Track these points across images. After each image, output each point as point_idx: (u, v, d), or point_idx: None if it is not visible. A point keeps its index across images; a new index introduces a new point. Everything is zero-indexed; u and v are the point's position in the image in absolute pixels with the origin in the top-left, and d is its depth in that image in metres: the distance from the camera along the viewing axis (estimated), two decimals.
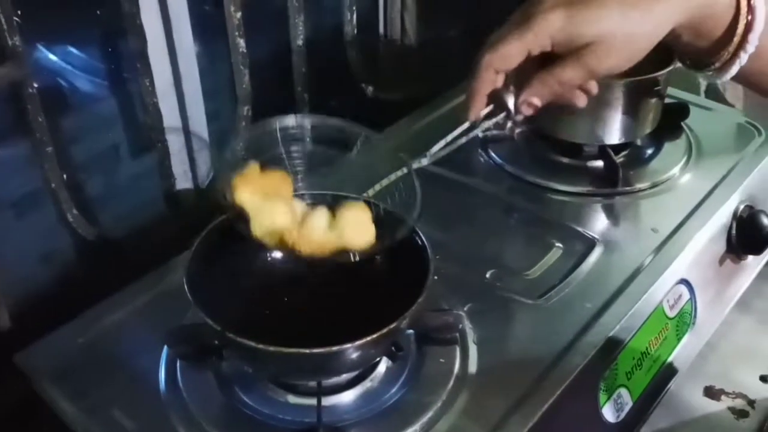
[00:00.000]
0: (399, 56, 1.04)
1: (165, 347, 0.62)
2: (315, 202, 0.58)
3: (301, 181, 0.59)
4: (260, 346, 0.50)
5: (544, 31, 0.52)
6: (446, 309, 0.65)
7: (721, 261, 0.79)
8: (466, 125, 0.59)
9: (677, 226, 0.77)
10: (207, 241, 0.59)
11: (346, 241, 0.55)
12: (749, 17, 0.54)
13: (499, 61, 0.54)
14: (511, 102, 0.57)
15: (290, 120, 0.58)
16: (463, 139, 0.61)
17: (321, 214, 0.56)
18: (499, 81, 0.57)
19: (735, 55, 0.56)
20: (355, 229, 0.55)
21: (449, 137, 0.61)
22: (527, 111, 0.57)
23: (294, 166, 0.59)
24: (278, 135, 0.57)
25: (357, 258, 0.54)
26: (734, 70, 0.57)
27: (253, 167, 0.54)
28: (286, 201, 0.55)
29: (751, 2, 0.54)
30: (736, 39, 0.55)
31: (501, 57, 0.54)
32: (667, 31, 0.55)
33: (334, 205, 0.57)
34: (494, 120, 0.59)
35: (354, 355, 0.53)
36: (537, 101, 0.56)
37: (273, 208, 0.54)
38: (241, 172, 0.54)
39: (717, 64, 0.57)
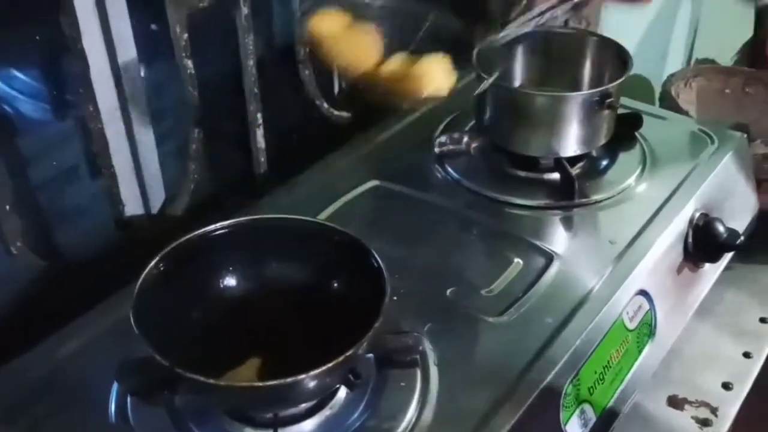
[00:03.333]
0: None
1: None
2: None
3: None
4: (211, 381, 0.49)
5: None
6: (406, 331, 0.64)
7: (679, 270, 0.80)
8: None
9: (634, 236, 0.77)
10: (155, 271, 0.57)
11: (425, 84, 0.59)
12: None
13: None
14: None
15: None
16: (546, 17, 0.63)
17: (401, 56, 0.61)
18: None
19: None
20: (435, 72, 0.60)
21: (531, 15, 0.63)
22: None
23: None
24: None
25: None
26: None
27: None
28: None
29: None
30: None
31: None
32: None
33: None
34: None
35: (310, 386, 0.52)
36: None
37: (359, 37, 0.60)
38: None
39: None
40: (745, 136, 0.93)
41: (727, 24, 2.01)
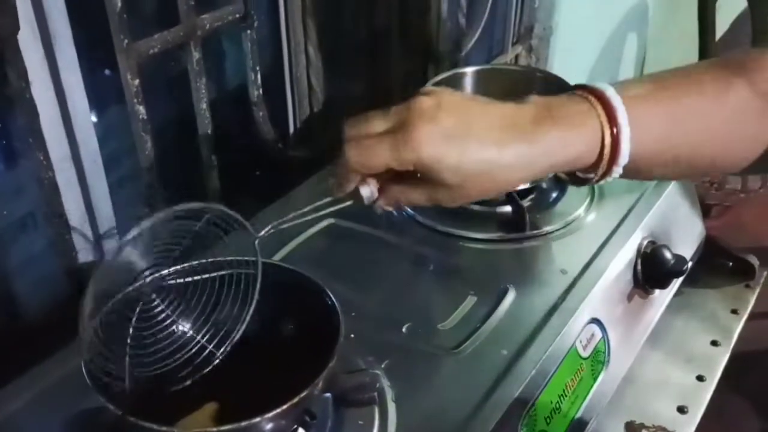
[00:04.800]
0: (308, 113, 1.04)
1: None
2: None
3: None
4: (164, 428, 0.48)
5: (410, 159, 0.52)
6: (362, 369, 0.64)
7: (630, 297, 0.82)
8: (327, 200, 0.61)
9: (585, 265, 0.78)
10: (106, 318, 0.57)
11: None
12: (612, 156, 0.54)
13: (363, 168, 0.55)
14: (366, 195, 0.57)
15: None
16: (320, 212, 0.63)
17: None
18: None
19: (606, 173, 0.56)
20: None
21: (305, 209, 0.62)
22: (379, 211, 0.59)
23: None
24: None
25: None
26: (610, 179, 0.58)
27: None
28: None
29: (617, 145, 0.54)
30: (602, 169, 0.56)
31: (365, 166, 0.54)
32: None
33: None
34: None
35: (265, 429, 0.52)
36: (387, 208, 0.58)
37: None
38: None
39: (594, 179, 0.58)
40: None
41: (673, 58, 2.08)
